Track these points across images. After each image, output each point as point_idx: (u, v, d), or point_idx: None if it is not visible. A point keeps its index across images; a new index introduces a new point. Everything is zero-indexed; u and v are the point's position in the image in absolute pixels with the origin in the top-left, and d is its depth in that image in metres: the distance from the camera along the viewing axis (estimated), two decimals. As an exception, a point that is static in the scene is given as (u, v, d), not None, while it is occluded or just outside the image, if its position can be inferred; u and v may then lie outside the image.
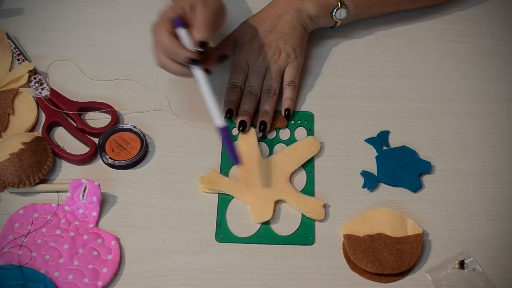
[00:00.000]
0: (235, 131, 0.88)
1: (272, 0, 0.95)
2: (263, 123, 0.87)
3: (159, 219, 0.81)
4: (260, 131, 0.87)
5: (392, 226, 0.79)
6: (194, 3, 0.81)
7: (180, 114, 0.90)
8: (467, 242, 0.79)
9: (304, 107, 0.91)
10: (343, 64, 0.96)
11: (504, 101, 0.92)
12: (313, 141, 0.86)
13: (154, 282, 0.76)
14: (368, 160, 0.86)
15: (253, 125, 0.88)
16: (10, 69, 0.93)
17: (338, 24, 0.95)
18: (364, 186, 0.83)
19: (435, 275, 0.76)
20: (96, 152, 0.85)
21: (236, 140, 0.87)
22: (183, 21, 0.80)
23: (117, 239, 0.78)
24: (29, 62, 0.93)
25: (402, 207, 0.82)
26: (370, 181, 0.83)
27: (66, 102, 0.89)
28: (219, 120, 0.79)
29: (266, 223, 0.80)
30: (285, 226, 0.80)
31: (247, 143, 0.86)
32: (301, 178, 0.84)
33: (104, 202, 0.82)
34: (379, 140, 0.87)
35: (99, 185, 0.81)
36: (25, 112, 0.88)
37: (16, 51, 0.95)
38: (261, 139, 0.88)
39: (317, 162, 0.86)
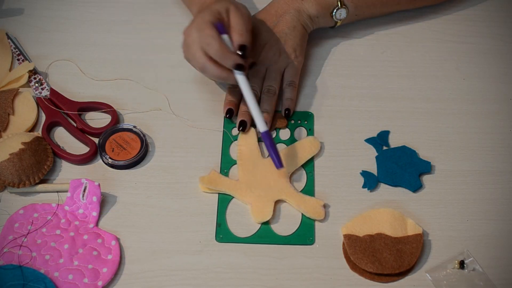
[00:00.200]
0: (235, 131, 0.88)
1: (272, 0, 0.95)
2: (263, 123, 0.87)
3: (159, 219, 0.81)
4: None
5: (392, 226, 0.79)
6: (228, 8, 0.83)
7: (180, 114, 0.90)
8: (467, 242, 0.79)
9: (304, 107, 0.91)
10: (343, 64, 0.96)
11: (504, 101, 0.92)
12: (313, 141, 0.86)
13: (154, 282, 0.76)
14: (368, 160, 0.86)
15: (253, 125, 0.88)
16: (10, 69, 0.93)
17: (338, 24, 0.95)
18: (364, 186, 0.83)
19: (435, 275, 0.76)
20: (96, 152, 0.85)
21: (236, 140, 0.87)
22: (224, 27, 0.81)
23: (117, 239, 0.78)
24: (29, 62, 0.93)
25: (402, 207, 0.82)
26: (370, 181, 0.83)
27: (66, 102, 0.89)
28: (262, 125, 0.81)
29: (266, 223, 0.80)
30: (285, 226, 0.80)
31: (247, 143, 0.86)
32: (301, 178, 0.84)
33: (104, 202, 0.82)
34: (379, 140, 0.87)
35: (99, 185, 0.81)
36: (25, 112, 0.88)
37: (16, 51, 0.95)
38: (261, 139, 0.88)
39: (317, 162, 0.86)
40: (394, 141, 0.88)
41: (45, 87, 0.91)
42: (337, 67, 0.95)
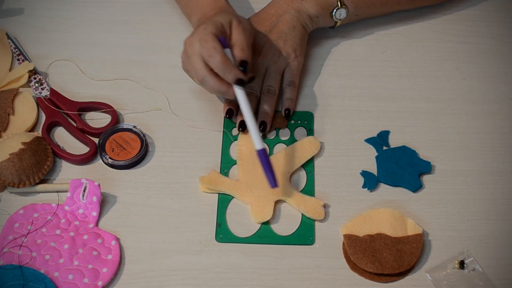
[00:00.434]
0: (235, 131, 0.88)
1: (272, 0, 0.95)
2: (263, 123, 0.87)
3: (159, 219, 0.81)
4: (260, 131, 0.87)
5: (392, 226, 0.79)
6: (231, 21, 0.82)
7: (180, 114, 0.90)
8: (467, 242, 0.79)
9: (304, 107, 0.91)
10: (343, 64, 0.96)
11: (504, 101, 0.92)
12: (313, 141, 0.86)
13: (154, 282, 0.76)
14: (368, 160, 0.86)
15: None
16: (10, 69, 0.93)
17: (338, 24, 0.95)
18: (364, 186, 0.83)
19: (435, 275, 0.76)
20: (96, 152, 0.85)
21: (236, 140, 0.87)
22: (226, 41, 0.81)
23: (117, 239, 0.78)
24: (29, 62, 0.93)
25: (402, 207, 0.82)
26: (370, 181, 0.83)
27: (66, 102, 0.89)
28: (258, 143, 0.79)
29: (266, 223, 0.80)
30: (285, 226, 0.80)
31: (247, 143, 0.86)
32: (301, 178, 0.84)
33: (104, 202, 0.82)
34: (379, 140, 0.87)
35: (99, 185, 0.81)
36: (25, 112, 0.88)
37: (16, 51, 0.95)
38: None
39: (317, 162, 0.86)
40: (394, 141, 0.88)
41: (45, 87, 0.91)
42: (337, 67, 0.95)
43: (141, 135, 0.86)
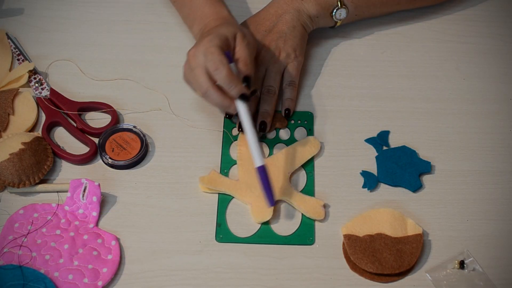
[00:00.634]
0: (235, 131, 0.88)
1: (272, 0, 0.95)
2: (263, 123, 0.87)
3: (159, 219, 0.81)
4: (260, 131, 0.87)
5: (392, 226, 0.79)
6: (235, 34, 0.81)
7: (180, 114, 0.90)
8: (467, 242, 0.79)
9: (304, 107, 0.91)
10: (343, 64, 0.96)
11: (504, 101, 0.92)
12: (313, 141, 0.86)
13: (154, 282, 0.76)
14: (368, 160, 0.86)
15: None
16: (10, 69, 0.93)
17: (338, 24, 0.95)
18: (364, 186, 0.83)
19: (435, 275, 0.76)
20: (96, 152, 0.85)
21: (236, 140, 0.87)
22: (231, 56, 0.80)
23: (117, 239, 0.78)
24: (29, 62, 0.93)
25: (402, 207, 0.82)
26: (370, 181, 0.83)
27: (66, 102, 0.89)
28: (258, 160, 0.78)
29: (266, 223, 0.80)
30: (285, 226, 0.80)
31: (247, 143, 0.86)
32: (301, 178, 0.84)
33: (104, 202, 0.82)
34: (379, 140, 0.87)
35: (99, 185, 0.81)
36: (25, 112, 0.88)
37: (16, 51, 0.95)
38: (261, 139, 0.88)
39: (317, 162, 0.86)
40: (394, 141, 0.88)
41: (45, 87, 0.91)
42: (337, 67, 0.95)
43: (141, 135, 0.86)
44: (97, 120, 0.89)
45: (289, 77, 0.90)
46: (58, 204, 0.81)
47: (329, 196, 0.82)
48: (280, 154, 0.85)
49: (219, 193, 0.83)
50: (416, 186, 0.83)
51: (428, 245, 0.79)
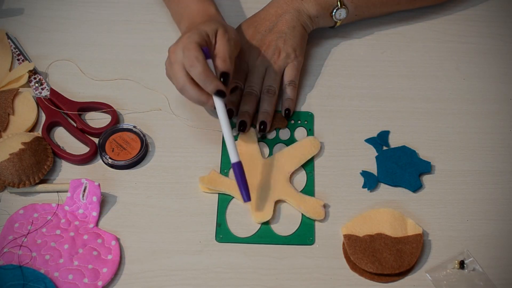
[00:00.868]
0: (235, 131, 0.88)
1: (272, 0, 0.95)
2: (263, 123, 0.87)
3: (159, 219, 0.81)
4: (260, 131, 0.87)
5: (392, 226, 0.79)
6: (216, 30, 0.81)
7: (180, 114, 0.90)
8: (467, 242, 0.79)
9: (304, 107, 0.91)
10: (343, 64, 0.96)
11: (504, 101, 0.92)
12: (313, 141, 0.86)
13: (154, 282, 0.76)
14: (368, 160, 0.86)
15: (253, 125, 0.88)
16: (10, 69, 0.93)
17: (338, 24, 0.95)
18: (364, 186, 0.83)
19: (435, 275, 0.76)
20: (96, 152, 0.85)
21: (237, 140, 0.87)
22: (209, 52, 0.80)
23: (117, 239, 0.78)
24: (29, 62, 0.93)
25: (402, 207, 0.82)
26: (370, 181, 0.83)
27: (66, 102, 0.89)
28: (234, 156, 0.78)
29: (266, 223, 0.80)
30: (285, 226, 0.80)
31: (247, 143, 0.86)
32: (301, 178, 0.84)
33: (104, 202, 0.82)
34: (379, 140, 0.87)
35: (99, 185, 0.81)
36: (25, 112, 0.88)
37: (16, 51, 0.95)
38: (261, 139, 0.88)
39: (317, 162, 0.86)
40: (394, 141, 0.88)
41: (45, 87, 0.91)
42: (337, 67, 0.95)
43: (141, 135, 0.86)
44: (97, 120, 0.89)
45: (289, 77, 0.90)
46: (58, 204, 0.81)
47: (329, 196, 0.82)
48: (280, 154, 0.85)
49: (219, 193, 0.83)
50: (416, 186, 0.83)
51: (428, 245, 0.79)
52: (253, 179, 0.83)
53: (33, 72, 0.92)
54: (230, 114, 0.87)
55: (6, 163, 0.80)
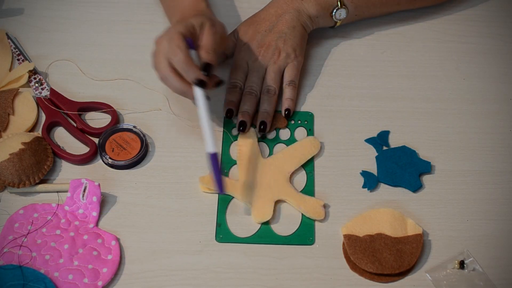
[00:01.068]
0: (235, 131, 0.88)
1: (272, 0, 0.95)
2: (263, 123, 0.87)
3: (159, 219, 0.81)
4: (260, 131, 0.87)
5: (392, 226, 0.79)
6: (203, 23, 0.82)
7: (180, 114, 0.90)
8: (467, 242, 0.79)
9: (304, 107, 0.91)
10: (343, 64, 0.96)
11: (504, 101, 0.92)
12: (313, 141, 0.86)
13: (154, 282, 0.76)
14: (368, 160, 0.86)
15: (253, 125, 0.88)
16: (10, 69, 0.93)
17: (338, 24, 0.95)
18: (364, 186, 0.83)
19: (435, 275, 0.76)
20: (96, 152, 0.85)
21: (236, 140, 0.87)
22: (193, 42, 0.81)
23: (117, 239, 0.78)
24: (29, 62, 0.93)
25: (402, 207, 0.82)
26: (370, 181, 0.83)
27: (66, 102, 0.89)
28: (210, 146, 0.78)
29: (266, 223, 0.80)
30: (285, 226, 0.80)
31: (247, 143, 0.86)
32: (301, 178, 0.84)
33: (104, 202, 0.82)
34: (379, 140, 0.87)
35: (99, 185, 0.81)
36: (25, 112, 0.88)
37: (16, 51, 0.95)
38: (261, 139, 0.88)
39: (317, 162, 0.86)
40: (394, 141, 0.88)
41: (45, 87, 0.91)
42: (337, 67, 0.95)
43: (141, 135, 0.86)
44: (97, 120, 0.89)
45: (289, 77, 0.90)
46: (58, 204, 0.81)
47: (329, 196, 0.82)
48: (280, 154, 0.85)
49: (219, 193, 0.83)
50: (416, 186, 0.83)
51: (428, 245, 0.79)
52: (253, 179, 0.83)
53: (33, 72, 0.92)
54: (230, 113, 0.87)
55: (6, 163, 0.80)
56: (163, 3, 0.95)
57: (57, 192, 0.82)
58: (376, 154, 0.86)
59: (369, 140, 0.87)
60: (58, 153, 0.85)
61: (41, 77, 0.92)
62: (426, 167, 0.85)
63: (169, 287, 0.76)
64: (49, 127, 0.88)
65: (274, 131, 0.89)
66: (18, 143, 0.82)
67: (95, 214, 0.80)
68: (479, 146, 0.87)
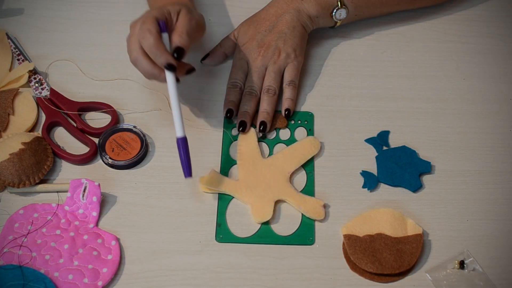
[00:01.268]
0: (235, 131, 0.88)
1: (272, 0, 0.95)
2: (263, 123, 0.87)
3: (159, 219, 0.81)
4: (260, 131, 0.87)
5: (392, 226, 0.79)
6: (180, 10, 0.81)
7: (180, 114, 0.90)
8: (467, 242, 0.79)
9: (304, 107, 0.91)
10: (343, 64, 0.96)
11: (504, 101, 0.92)
12: (313, 141, 0.86)
13: (154, 282, 0.76)
14: (368, 160, 0.86)
15: (253, 125, 0.88)
16: (10, 69, 0.93)
17: (338, 24, 0.95)
18: (364, 186, 0.83)
19: (435, 275, 0.76)
20: (96, 152, 0.85)
21: (236, 140, 0.87)
22: (166, 26, 0.80)
23: (117, 239, 0.78)
24: (29, 62, 0.93)
25: (402, 207, 0.82)
26: (370, 181, 0.83)
27: (66, 102, 0.89)
28: (179, 131, 0.79)
29: (266, 223, 0.80)
30: (285, 226, 0.80)
31: (247, 143, 0.86)
32: (301, 178, 0.84)
33: (104, 202, 0.82)
34: (379, 140, 0.87)
35: (99, 185, 0.81)
36: (25, 112, 0.88)
37: (16, 51, 0.95)
38: (261, 139, 0.88)
39: (317, 162, 0.86)
40: (394, 141, 0.88)
41: (45, 87, 0.91)
42: (337, 67, 0.95)
43: (141, 135, 0.86)
44: (97, 120, 0.89)
45: (289, 77, 0.90)
46: (58, 204, 0.81)
47: (329, 196, 0.82)
48: (280, 154, 0.85)
49: (219, 193, 0.83)
50: (416, 186, 0.83)
51: (428, 245, 0.79)
52: (253, 179, 0.83)
53: (33, 72, 0.92)
54: (230, 113, 0.87)
55: (6, 163, 0.80)
56: None
57: (57, 192, 0.82)
58: (376, 154, 0.86)
59: (369, 140, 0.87)
60: (58, 153, 0.85)
61: (41, 77, 0.92)
62: (426, 167, 0.85)
63: (169, 287, 0.76)
64: (49, 127, 0.88)
65: (274, 131, 0.89)
66: (18, 143, 0.82)
67: (95, 214, 0.80)
68: (479, 146, 0.87)
